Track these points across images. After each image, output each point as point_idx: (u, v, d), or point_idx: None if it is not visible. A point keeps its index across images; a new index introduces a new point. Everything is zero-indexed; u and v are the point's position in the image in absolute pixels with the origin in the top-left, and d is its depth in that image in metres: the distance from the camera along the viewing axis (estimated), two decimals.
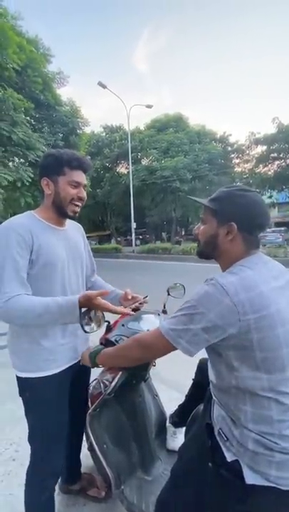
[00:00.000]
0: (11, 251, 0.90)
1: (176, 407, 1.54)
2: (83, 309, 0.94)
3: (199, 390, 1.33)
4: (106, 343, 1.09)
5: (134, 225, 16.64)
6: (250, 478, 0.68)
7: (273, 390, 0.68)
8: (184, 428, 1.43)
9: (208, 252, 0.86)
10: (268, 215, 0.79)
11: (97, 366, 1.01)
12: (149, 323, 1.21)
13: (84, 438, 1.38)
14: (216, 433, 0.77)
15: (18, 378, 1.02)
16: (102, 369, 1.30)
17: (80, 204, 1.05)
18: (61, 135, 11.75)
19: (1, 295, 0.87)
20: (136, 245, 16.18)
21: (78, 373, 1.17)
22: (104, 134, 26.05)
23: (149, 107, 17.37)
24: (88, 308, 0.96)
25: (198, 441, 0.83)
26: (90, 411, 1.20)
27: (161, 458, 1.36)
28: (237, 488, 0.70)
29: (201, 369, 1.32)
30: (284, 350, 0.67)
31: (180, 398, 2.02)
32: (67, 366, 1.07)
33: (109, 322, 1.13)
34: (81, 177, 1.03)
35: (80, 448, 1.40)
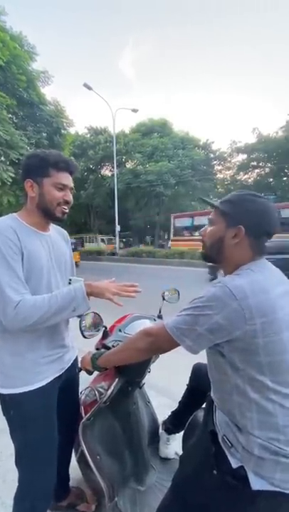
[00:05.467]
0: (5, 256, 0.86)
1: (169, 413, 1.52)
2: (82, 315, 0.91)
3: (194, 396, 1.32)
4: (103, 348, 1.06)
5: (118, 228, 16.53)
6: (256, 483, 0.67)
7: (277, 393, 0.67)
8: (177, 435, 1.41)
9: (212, 255, 0.85)
10: (277, 224, 0.79)
11: (98, 369, 0.98)
12: None
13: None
14: (220, 439, 0.76)
15: (0, 396, 0.95)
16: (93, 377, 1.26)
17: (66, 207, 1.02)
18: (45, 134, 11.48)
19: (9, 302, 0.83)
20: (120, 248, 16.09)
21: (66, 382, 1.12)
22: (88, 135, 25.81)
23: (134, 111, 17.44)
24: (86, 314, 0.93)
25: (201, 449, 0.81)
26: (83, 420, 1.15)
27: (155, 466, 1.33)
28: (242, 495, 0.69)
29: (196, 374, 1.31)
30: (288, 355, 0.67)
31: (169, 404, 2.00)
32: (54, 377, 1.02)
33: (106, 327, 1.10)
34: (68, 179, 1.00)
35: (70, 461, 1.34)
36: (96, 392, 1.12)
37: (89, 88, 15.12)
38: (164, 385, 2.40)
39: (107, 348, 1.03)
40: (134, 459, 1.26)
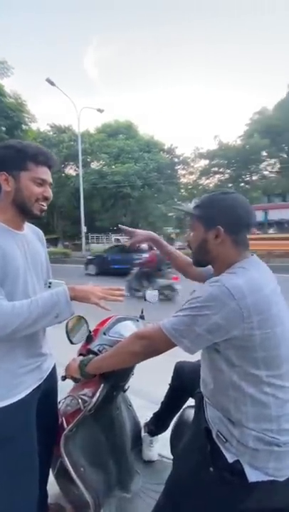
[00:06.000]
0: None
1: (150, 414, 1.51)
2: (67, 320, 0.86)
3: (177, 395, 1.33)
4: (88, 353, 1.01)
5: (84, 229, 16.11)
6: (252, 475, 0.69)
7: (271, 385, 0.70)
8: (159, 436, 1.41)
9: (201, 258, 0.87)
10: (252, 214, 0.82)
11: (86, 376, 0.94)
12: (130, 330, 1.17)
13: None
14: (214, 436, 0.76)
15: None
16: (70, 385, 1.20)
17: (45, 204, 0.96)
18: (4, 128, 10.78)
19: None
20: (87, 250, 15.63)
21: (45, 393, 1.04)
22: (51, 133, 24.79)
23: (100, 111, 17.24)
24: (71, 318, 0.88)
25: (194, 448, 0.81)
26: (65, 432, 1.08)
27: (139, 471, 1.31)
28: (240, 489, 0.71)
29: (179, 373, 1.32)
30: (282, 348, 0.71)
31: (146, 405, 1.98)
32: (33, 388, 0.95)
33: (90, 331, 1.05)
34: (47, 174, 0.94)
35: (48, 476, 1.25)
36: (79, 401, 1.06)
37: (52, 84, 14.54)
38: (140, 387, 2.38)
39: (93, 353, 0.99)
40: (118, 466, 1.23)
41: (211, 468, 0.73)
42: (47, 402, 1.07)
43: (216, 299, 0.68)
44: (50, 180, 0.96)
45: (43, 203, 0.94)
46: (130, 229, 1.19)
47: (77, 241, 19.94)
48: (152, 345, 0.77)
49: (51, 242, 24.48)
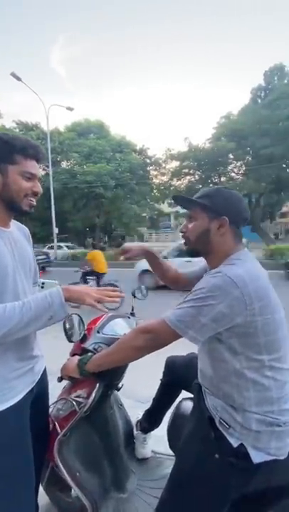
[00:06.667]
0: None
1: (140, 412, 1.50)
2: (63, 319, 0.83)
3: (169, 390, 1.34)
4: (83, 352, 0.98)
5: (56, 230, 15.58)
6: (256, 457, 0.72)
7: (272, 369, 0.74)
8: (152, 433, 1.41)
9: (198, 248, 0.89)
10: (248, 211, 0.88)
11: (86, 375, 0.91)
12: (123, 328, 1.16)
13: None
14: (216, 423, 0.78)
15: None
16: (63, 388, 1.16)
17: (34, 199, 0.92)
18: None
19: None
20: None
21: (37, 396, 1.00)
22: (17, 130, 23.61)
23: (69, 109, 16.80)
24: (69, 316, 0.85)
25: (197, 438, 0.83)
26: (59, 437, 1.03)
27: (133, 469, 1.29)
28: (244, 472, 0.73)
29: (170, 368, 1.33)
30: (279, 332, 0.75)
31: (133, 404, 1.97)
32: (28, 391, 0.91)
33: (84, 330, 1.02)
34: (36, 168, 0.91)
35: (39, 486, 1.19)
36: (74, 403, 1.02)
37: (17, 78, 13.92)
38: (124, 386, 2.36)
39: (89, 352, 0.96)
40: (113, 467, 1.20)
41: (217, 455, 0.75)
42: (39, 406, 1.02)
43: (220, 289, 0.70)
44: (39, 174, 0.93)
45: (32, 199, 0.90)
46: (127, 246, 1.13)
47: (49, 243, 19.19)
48: (157, 338, 0.78)
49: None
